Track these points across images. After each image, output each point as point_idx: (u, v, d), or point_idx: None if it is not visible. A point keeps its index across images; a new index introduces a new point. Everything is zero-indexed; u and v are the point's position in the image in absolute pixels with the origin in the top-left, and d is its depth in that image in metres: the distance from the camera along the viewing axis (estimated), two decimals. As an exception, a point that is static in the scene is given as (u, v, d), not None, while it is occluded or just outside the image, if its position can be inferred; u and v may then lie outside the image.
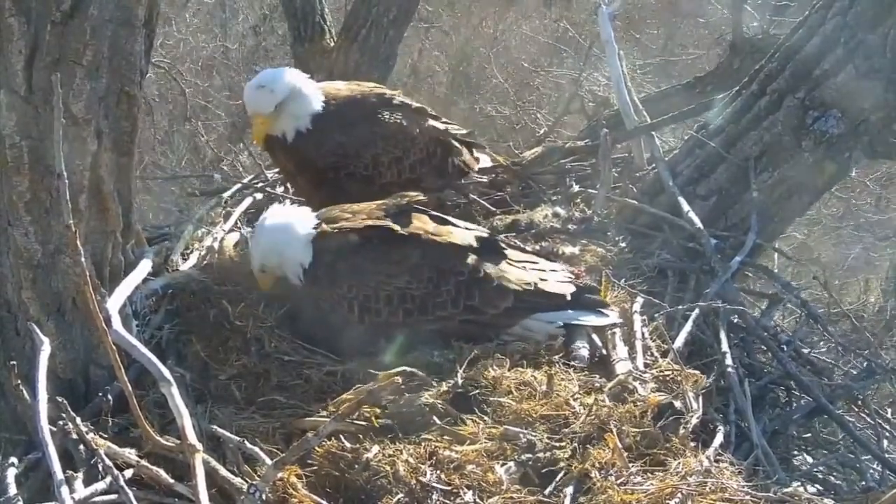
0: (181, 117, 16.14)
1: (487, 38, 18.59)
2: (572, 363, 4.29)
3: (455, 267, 4.42)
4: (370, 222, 4.44)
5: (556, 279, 4.60)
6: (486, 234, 4.69)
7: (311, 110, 5.02)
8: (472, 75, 18.86)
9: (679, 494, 3.44)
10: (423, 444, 3.66)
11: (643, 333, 4.54)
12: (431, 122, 5.48)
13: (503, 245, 4.66)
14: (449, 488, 3.47)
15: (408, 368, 3.69)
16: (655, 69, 16.23)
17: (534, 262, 4.66)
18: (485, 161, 5.94)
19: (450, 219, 4.67)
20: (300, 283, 4.43)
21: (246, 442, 3.68)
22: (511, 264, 4.55)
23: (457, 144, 5.61)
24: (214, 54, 17.74)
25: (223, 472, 3.50)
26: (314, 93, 5.08)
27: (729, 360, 4.58)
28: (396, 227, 4.42)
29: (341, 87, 5.32)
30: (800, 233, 12.04)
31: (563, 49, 18.14)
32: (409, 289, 4.37)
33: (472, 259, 4.45)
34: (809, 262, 9.33)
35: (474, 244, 4.52)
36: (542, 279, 4.54)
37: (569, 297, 4.54)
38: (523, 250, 4.79)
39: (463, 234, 4.55)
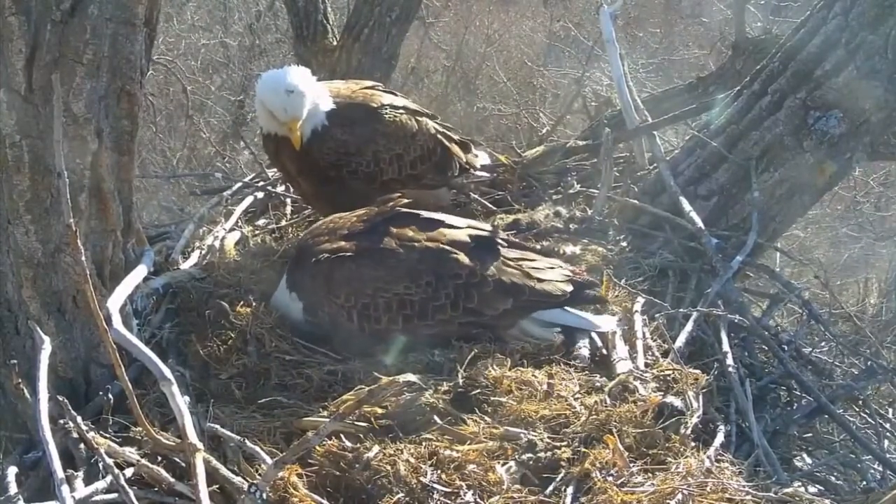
0: (179, 115, 16.15)
1: (485, 37, 18.61)
2: (573, 363, 4.29)
3: (452, 270, 4.40)
4: (355, 244, 4.42)
5: (554, 277, 4.57)
6: (479, 232, 4.64)
7: (326, 108, 5.06)
8: (471, 75, 18.88)
9: (679, 494, 3.44)
10: (423, 443, 3.67)
11: (644, 333, 4.54)
12: (429, 120, 5.49)
13: (498, 242, 4.63)
14: (449, 488, 3.47)
15: (410, 376, 3.67)
16: (656, 68, 16.25)
17: (531, 260, 4.63)
18: (483, 158, 5.96)
19: (441, 218, 4.63)
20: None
21: (246, 441, 3.67)
22: (507, 263, 4.52)
23: (456, 141, 5.61)
24: (211, 54, 17.74)
25: (224, 471, 3.49)
26: (324, 91, 5.12)
27: (730, 360, 4.58)
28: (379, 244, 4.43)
29: (340, 86, 5.34)
30: (798, 232, 12.03)
31: (563, 48, 18.15)
32: (408, 294, 4.35)
33: (468, 261, 4.43)
34: (809, 262, 9.31)
35: (469, 243, 4.50)
36: (539, 278, 4.52)
37: (567, 295, 4.53)
38: (521, 247, 4.76)
39: (456, 233, 4.52)
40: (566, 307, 4.54)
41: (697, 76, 9.48)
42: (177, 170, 14.84)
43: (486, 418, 3.86)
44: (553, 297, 4.51)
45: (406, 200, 4.63)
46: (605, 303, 4.63)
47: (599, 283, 4.76)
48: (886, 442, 5.04)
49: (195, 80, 16.54)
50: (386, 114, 5.22)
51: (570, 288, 4.54)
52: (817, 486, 4.71)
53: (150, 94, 13.67)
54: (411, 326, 4.36)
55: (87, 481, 3.50)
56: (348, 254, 4.37)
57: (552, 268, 4.63)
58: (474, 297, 4.39)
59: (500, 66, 18.77)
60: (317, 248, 4.44)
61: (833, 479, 4.89)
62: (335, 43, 9.75)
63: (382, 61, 9.62)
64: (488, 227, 4.84)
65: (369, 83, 5.52)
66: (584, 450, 3.64)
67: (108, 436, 3.69)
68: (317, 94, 5.02)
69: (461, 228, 4.57)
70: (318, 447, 3.55)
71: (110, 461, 3.38)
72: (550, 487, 3.53)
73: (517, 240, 4.95)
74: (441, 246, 4.43)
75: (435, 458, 3.58)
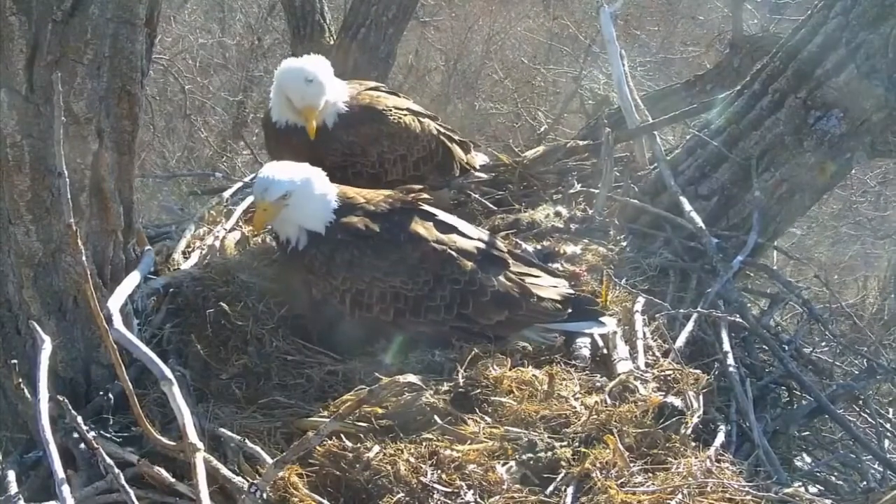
0: (178, 115, 16.14)
1: (484, 36, 18.61)
2: (573, 362, 4.29)
3: (452, 274, 4.39)
4: (367, 224, 4.40)
5: (554, 295, 4.56)
6: (490, 245, 4.63)
7: (339, 107, 5.09)
8: (470, 74, 18.87)
9: (680, 494, 3.44)
10: (423, 443, 3.67)
11: (644, 333, 4.54)
12: (431, 121, 5.50)
13: (506, 257, 4.61)
14: (450, 488, 3.48)
15: (410, 377, 3.67)
16: (654, 67, 16.26)
17: (535, 276, 4.62)
18: (482, 160, 5.97)
19: (456, 224, 4.63)
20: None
21: (247, 441, 3.68)
22: (510, 277, 4.51)
23: (456, 143, 5.63)
24: (211, 55, 17.74)
25: (224, 471, 3.50)
26: (343, 89, 5.17)
27: (730, 360, 4.58)
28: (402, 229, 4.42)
29: (345, 87, 5.32)
30: (798, 231, 12.03)
31: (561, 47, 18.15)
32: (404, 289, 4.35)
33: (470, 268, 4.42)
34: (809, 261, 9.32)
35: (476, 254, 4.49)
36: (539, 296, 4.51)
37: (565, 315, 4.52)
38: (528, 263, 4.76)
39: (466, 242, 4.51)
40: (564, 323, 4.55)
41: (695, 74, 9.51)
42: (175, 170, 14.84)
43: (487, 418, 3.87)
44: (550, 314, 4.51)
45: (427, 196, 4.62)
46: (605, 315, 4.61)
47: (599, 300, 4.75)
48: (887, 442, 5.05)
49: (193, 81, 16.53)
50: (391, 115, 5.23)
51: (569, 308, 4.53)
52: (817, 486, 4.72)
53: (148, 96, 13.67)
54: (402, 321, 4.36)
55: (88, 481, 3.51)
56: (353, 238, 4.36)
57: (555, 286, 4.63)
58: (469, 304, 4.39)
59: (499, 65, 18.78)
60: (345, 220, 4.41)
61: (833, 479, 4.90)
62: (332, 42, 9.76)
63: (380, 60, 9.62)
64: (499, 242, 4.81)
65: (372, 84, 5.53)
66: (584, 450, 3.64)
67: (108, 435, 3.70)
68: (335, 90, 5.06)
69: (472, 239, 4.56)
70: (318, 447, 3.56)
71: (110, 461, 3.36)
72: (550, 487, 3.54)
73: (526, 256, 4.93)
74: (447, 250, 4.42)
75: (435, 457, 3.59)
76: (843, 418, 4.87)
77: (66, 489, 3.22)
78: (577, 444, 3.70)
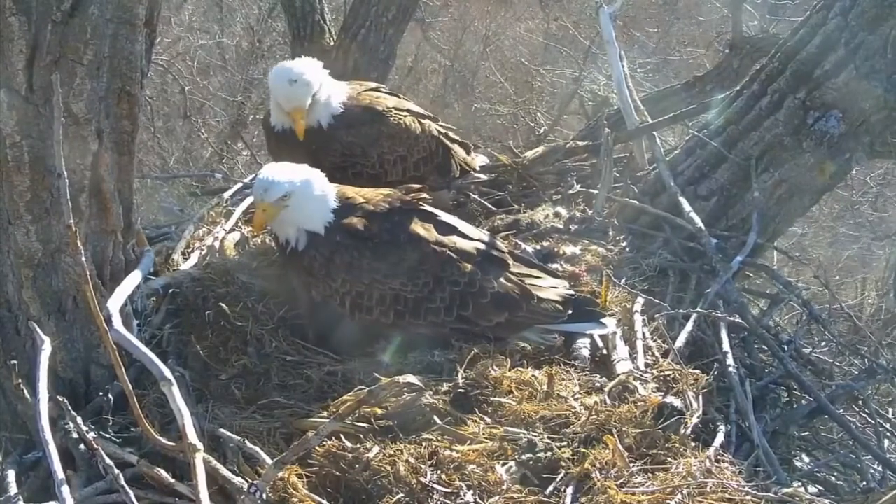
0: (176, 115, 16.13)
1: (482, 37, 18.61)
2: (573, 363, 4.29)
3: (452, 276, 4.38)
4: (366, 225, 4.40)
5: (554, 296, 4.55)
6: (490, 245, 4.61)
7: (336, 107, 5.09)
8: (468, 75, 18.86)
9: (679, 494, 3.44)
10: (423, 444, 3.67)
11: (644, 333, 4.54)
12: (431, 122, 5.51)
13: (506, 258, 4.59)
14: (449, 488, 3.48)
15: (410, 377, 3.67)
16: (653, 68, 16.27)
17: (535, 277, 4.61)
18: (482, 160, 5.97)
19: (457, 225, 4.62)
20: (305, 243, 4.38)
21: (246, 441, 3.68)
22: (510, 279, 4.50)
23: (457, 144, 5.63)
24: (208, 55, 17.73)
25: (224, 471, 3.50)
26: (340, 89, 5.17)
27: (730, 360, 4.58)
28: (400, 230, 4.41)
29: (345, 87, 5.33)
30: (797, 229, 12.03)
31: (559, 48, 18.15)
32: (404, 291, 4.34)
33: (470, 270, 4.41)
34: (808, 261, 9.32)
35: (476, 255, 4.48)
36: (539, 297, 4.50)
37: (565, 317, 4.52)
38: (528, 264, 4.75)
39: (466, 243, 4.50)
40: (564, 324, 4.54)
41: (695, 75, 9.51)
42: (174, 171, 14.84)
43: (486, 418, 3.87)
44: (550, 316, 4.50)
45: (426, 196, 4.61)
46: (605, 315, 4.61)
47: (599, 301, 4.75)
48: (886, 442, 5.05)
49: (193, 82, 16.52)
50: (391, 116, 5.23)
51: (569, 310, 4.53)
52: (817, 486, 4.73)
53: (147, 97, 13.64)
54: (402, 323, 4.36)
55: (87, 481, 3.51)
56: (353, 240, 4.35)
57: (555, 287, 4.62)
58: (469, 306, 4.38)
59: (497, 66, 18.78)
60: (345, 221, 4.41)
61: (833, 479, 4.90)
62: (332, 43, 9.76)
63: (379, 61, 9.61)
64: (500, 243, 4.81)
65: (373, 85, 5.53)
66: (583, 450, 3.65)
67: (108, 436, 3.70)
68: (329, 91, 5.06)
69: (472, 240, 4.55)
70: (317, 447, 3.56)
71: (110, 461, 3.37)
72: (550, 487, 3.54)
73: (526, 257, 4.93)
74: (447, 252, 4.41)
75: (435, 458, 3.59)
76: (842, 418, 4.87)
77: (65, 489, 3.23)
78: (576, 444, 3.70)
